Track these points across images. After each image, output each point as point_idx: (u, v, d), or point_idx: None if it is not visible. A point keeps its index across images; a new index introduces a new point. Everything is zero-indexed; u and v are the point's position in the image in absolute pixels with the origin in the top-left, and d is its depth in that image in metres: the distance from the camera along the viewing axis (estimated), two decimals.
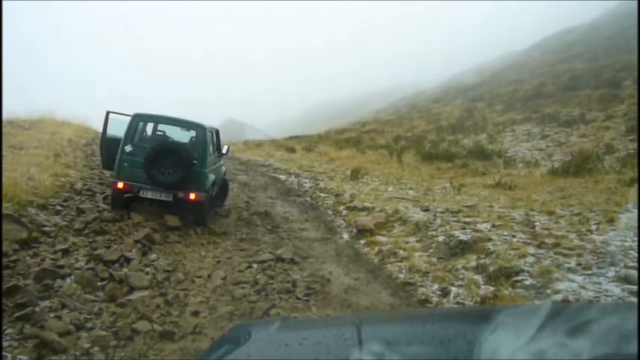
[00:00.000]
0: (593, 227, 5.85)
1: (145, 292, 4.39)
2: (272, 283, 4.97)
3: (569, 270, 4.67)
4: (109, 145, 7.34)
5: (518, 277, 4.66)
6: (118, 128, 7.23)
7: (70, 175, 8.82)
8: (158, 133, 7.85)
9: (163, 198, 6.59)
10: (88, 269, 4.80)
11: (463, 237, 5.94)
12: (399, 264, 5.67)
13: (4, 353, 3.19)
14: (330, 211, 8.54)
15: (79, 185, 8.25)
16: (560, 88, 21.05)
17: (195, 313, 4.15)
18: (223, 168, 8.75)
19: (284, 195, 9.92)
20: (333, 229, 7.52)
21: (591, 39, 32.07)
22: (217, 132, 8.00)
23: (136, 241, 5.76)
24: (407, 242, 6.37)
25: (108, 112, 7.56)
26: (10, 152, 9.32)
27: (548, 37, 43.26)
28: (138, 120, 6.97)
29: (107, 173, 8.73)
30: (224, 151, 8.12)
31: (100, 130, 7.93)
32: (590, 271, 4.60)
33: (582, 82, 20.53)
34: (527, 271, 4.74)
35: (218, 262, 5.58)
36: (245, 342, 1.18)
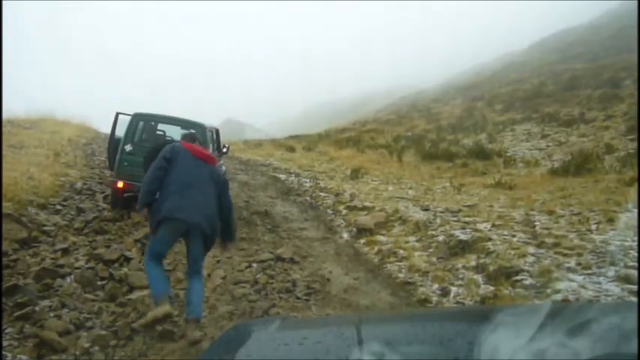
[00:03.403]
0: (593, 227, 5.85)
1: (145, 292, 4.38)
2: (272, 283, 4.97)
3: (569, 269, 4.67)
4: (117, 146, 7.06)
5: (518, 277, 4.66)
6: (124, 129, 7.07)
7: (70, 175, 8.82)
8: (158, 132, 7.85)
9: None
10: (87, 268, 4.80)
11: (463, 236, 5.94)
12: (399, 263, 5.67)
13: (4, 352, 3.19)
14: (329, 211, 8.54)
15: (78, 184, 8.26)
16: (560, 87, 21.03)
17: None
18: (223, 167, 8.75)
19: (284, 194, 9.91)
20: (332, 228, 7.51)
21: (591, 39, 32.05)
22: (217, 131, 8.00)
23: (136, 241, 5.77)
24: (407, 242, 6.37)
25: (117, 114, 7.28)
26: (10, 151, 9.32)
27: (548, 37, 43.22)
28: (138, 119, 6.97)
29: (108, 173, 8.73)
30: (224, 150, 8.12)
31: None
32: (590, 271, 4.60)
33: (582, 82, 20.52)
34: (527, 271, 4.74)
35: (218, 261, 5.58)
36: (245, 342, 1.17)
